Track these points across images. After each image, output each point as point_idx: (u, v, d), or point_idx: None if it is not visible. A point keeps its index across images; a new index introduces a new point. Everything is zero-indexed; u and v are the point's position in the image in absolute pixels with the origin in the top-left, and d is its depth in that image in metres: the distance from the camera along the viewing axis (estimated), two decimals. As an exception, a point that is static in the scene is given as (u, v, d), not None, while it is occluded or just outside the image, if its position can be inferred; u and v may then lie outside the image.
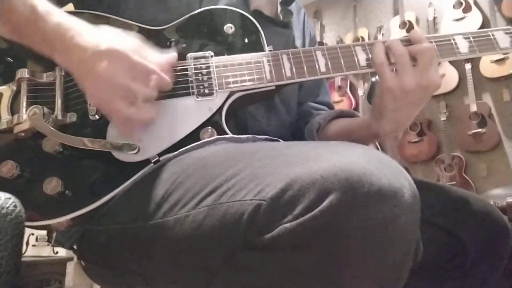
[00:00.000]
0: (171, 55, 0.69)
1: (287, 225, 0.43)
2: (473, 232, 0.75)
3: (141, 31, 0.74)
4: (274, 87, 0.73)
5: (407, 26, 3.45)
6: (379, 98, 0.77)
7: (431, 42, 0.78)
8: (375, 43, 0.76)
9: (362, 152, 0.47)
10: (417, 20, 3.48)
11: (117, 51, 0.61)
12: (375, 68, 0.74)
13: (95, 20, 0.70)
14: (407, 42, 0.76)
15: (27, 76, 0.69)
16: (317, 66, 0.74)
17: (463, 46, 0.79)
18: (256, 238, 0.45)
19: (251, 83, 0.72)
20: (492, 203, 0.85)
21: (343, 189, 0.42)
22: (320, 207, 0.42)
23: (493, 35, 0.80)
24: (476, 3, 3.17)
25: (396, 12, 3.62)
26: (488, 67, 3.05)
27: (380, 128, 0.80)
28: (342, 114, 0.93)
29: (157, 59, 0.65)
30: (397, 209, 0.43)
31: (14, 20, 0.64)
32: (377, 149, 3.34)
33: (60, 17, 0.64)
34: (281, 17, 0.91)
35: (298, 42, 0.95)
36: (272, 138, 0.74)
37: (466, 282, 0.76)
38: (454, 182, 3.00)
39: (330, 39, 4.01)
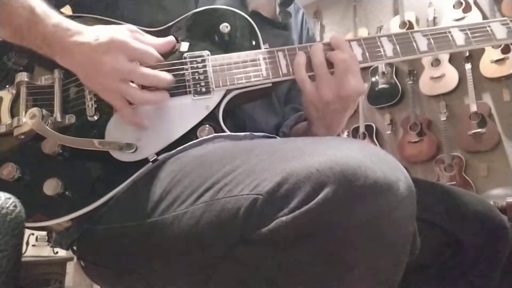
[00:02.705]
0: (168, 38, 0.72)
1: (283, 218, 0.43)
2: (472, 232, 0.75)
3: None
4: (270, 84, 0.73)
5: (407, 26, 3.45)
6: (304, 108, 0.78)
7: (427, 35, 0.78)
8: (297, 53, 0.74)
9: (358, 147, 0.48)
10: (417, 20, 3.48)
11: (117, 40, 0.63)
12: (296, 78, 0.73)
13: (94, 23, 0.71)
14: (328, 46, 0.75)
15: (26, 79, 0.70)
16: None
17: (459, 38, 0.79)
18: (253, 232, 0.45)
19: (247, 80, 0.72)
20: (492, 203, 0.85)
21: (338, 182, 0.42)
22: (315, 200, 0.42)
23: (489, 26, 0.80)
24: (476, 3, 3.18)
25: (396, 12, 3.62)
26: (488, 67, 3.05)
27: (315, 133, 0.81)
28: (301, 119, 0.92)
29: (155, 40, 0.69)
30: (393, 202, 0.43)
31: (15, 23, 0.65)
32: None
33: (58, 18, 0.65)
34: (280, 19, 0.91)
35: (295, 44, 0.95)
36: (269, 135, 0.74)
37: (464, 282, 0.76)
38: (454, 182, 3.00)
39: (330, 40, 4.01)
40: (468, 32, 0.79)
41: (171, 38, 0.72)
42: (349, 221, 0.42)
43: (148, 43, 0.68)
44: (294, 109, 0.95)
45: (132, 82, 0.65)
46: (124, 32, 0.65)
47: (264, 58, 0.73)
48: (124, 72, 0.63)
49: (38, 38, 0.65)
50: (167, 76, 0.67)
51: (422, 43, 0.78)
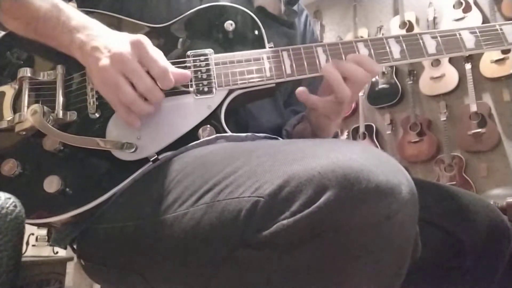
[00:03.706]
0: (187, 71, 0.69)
1: (285, 221, 0.43)
2: (472, 232, 0.75)
3: (142, 29, 0.75)
4: (274, 85, 0.72)
5: (407, 26, 3.46)
6: (313, 118, 0.80)
7: (436, 37, 0.77)
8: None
9: (360, 149, 0.47)
10: (417, 20, 3.49)
11: (139, 39, 0.63)
12: (308, 106, 0.76)
13: (97, 19, 0.71)
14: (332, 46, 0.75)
15: (29, 75, 0.70)
16: (318, 63, 0.73)
17: (469, 41, 0.77)
18: (254, 235, 0.45)
19: (250, 80, 0.71)
20: (492, 203, 0.85)
21: (340, 185, 0.42)
22: (317, 203, 0.42)
23: (501, 29, 0.78)
24: (476, 3, 3.18)
25: (396, 12, 3.62)
26: (488, 67, 3.05)
27: (326, 136, 0.83)
28: (303, 119, 0.92)
29: (171, 66, 0.66)
30: (395, 206, 0.43)
31: (31, 13, 0.66)
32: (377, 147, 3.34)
33: (84, 15, 0.67)
34: (285, 17, 0.91)
35: (299, 44, 0.94)
36: (271, 136, 0.73)
37: (465, 282, 0.76)
38: (454, 182, 3.00)
39: (330, 39, 4.01)
40: (479, 34, 0.77)
41: (188, 73, 0.69)
42: (351, 225, 0.42)
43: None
44: (294, 111, 0.95)
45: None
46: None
47: (268, 58, 0.72)
48: (127, 66, 0.62)
49: (57, 30, 0.66)
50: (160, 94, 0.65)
51: (430, 45, 0.76)
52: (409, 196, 0.45)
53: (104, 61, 0.62)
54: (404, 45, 0.75)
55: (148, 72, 0.63)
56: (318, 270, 0.43)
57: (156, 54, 0.64)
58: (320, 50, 0.74)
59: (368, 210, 0.42)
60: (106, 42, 0.63)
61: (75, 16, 0.67)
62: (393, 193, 0.43)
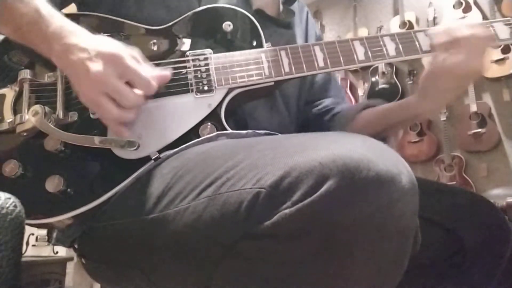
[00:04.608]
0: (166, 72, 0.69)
1: (287, 211, 0.43)
2: (472, 230, 0.75)
3: (141, 31, 0.75)
4: (273, 83, 0.74)
5: (407, 26, 3.45)
6: (433, 80, 0.78)
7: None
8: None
9: (361, 141, 0.48)
10: (417, 20, 3.48)
11: (114, 53, 0.62)
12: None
13: (97, 21, 0.71)
14: None
15: (29, 77, 0.70)
16: (315, 61, 0.75)
17: None
18: (256, 226, 0.45)
19: (249, 79, 0.72)
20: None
21: (341, 175, 0.42)
22: (318, 193, 0.42)
23: (492, 26, 0.80)
24: (476, 3, 3.17)
25: (396, 12, 3.62)
26: (488, 67, 3.05)
27: (421, 108, 0.82)
28: (368, 105, 0.94)
29: (151, 70, 0.66)
30: (395, 195, 0.43)
31: (17, 20, 0.66)
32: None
33: (63, 20, 0.66)
34: (283, 17, 0.92)
35: (300, 41, 0.95)
36: (271, 132, 0.74)
37: (465, 281, 0.76)
38: (454, 182, 3.00)
39: (330, 39, 4.01)
40: None
41: (167, 73, 0.69)
42: (352, 214, 0.42)
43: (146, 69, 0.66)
44: (335, 102, 0.97)
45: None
46: (124, 51, 0.64)
47: (266, 57, 0.74)
48: (108, 87, 0.61)
49: (38, 37, 0.65)
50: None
51: (424, 42, 0.78)
52: (409, 186, 0.45)
53: (85, 83, 0.62)
54: (399, 42, 0.78)
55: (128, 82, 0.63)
56: (320, 259, 0.44)
57: (135, 64, 0.63)
58: (317, 48, 0.76)
59: (369, 199, 0.42)
60: (82, 57, 0.62)
61: (53, 21, 0.65)
62: (393, 182, 0.44)
